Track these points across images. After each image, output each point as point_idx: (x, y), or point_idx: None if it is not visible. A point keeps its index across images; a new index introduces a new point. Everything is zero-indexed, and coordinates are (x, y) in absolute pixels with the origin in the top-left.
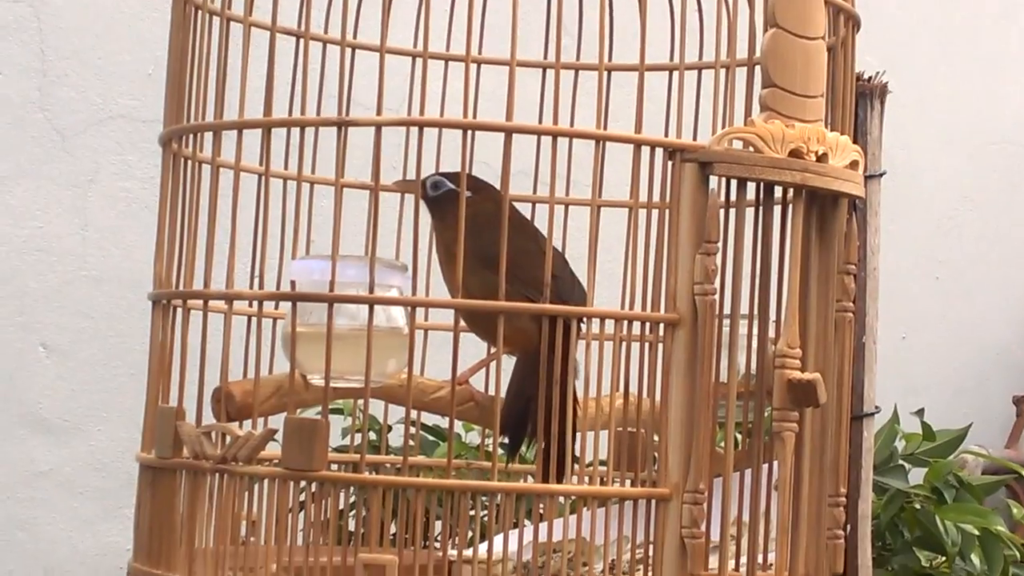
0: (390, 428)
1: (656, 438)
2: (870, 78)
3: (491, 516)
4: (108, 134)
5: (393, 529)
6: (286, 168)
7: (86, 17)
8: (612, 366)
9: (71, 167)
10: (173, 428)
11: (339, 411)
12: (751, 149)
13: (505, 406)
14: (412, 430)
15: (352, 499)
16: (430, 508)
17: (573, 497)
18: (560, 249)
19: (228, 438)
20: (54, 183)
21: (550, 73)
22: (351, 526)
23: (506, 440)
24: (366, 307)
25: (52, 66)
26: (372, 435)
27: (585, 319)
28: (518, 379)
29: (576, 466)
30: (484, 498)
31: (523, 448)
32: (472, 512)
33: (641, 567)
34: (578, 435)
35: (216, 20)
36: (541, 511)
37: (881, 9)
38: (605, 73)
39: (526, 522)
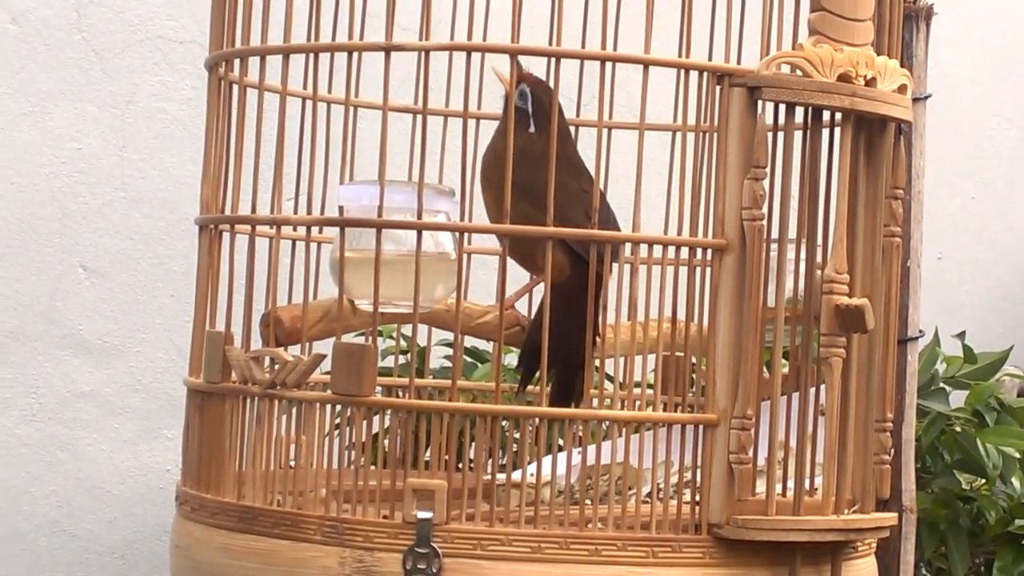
0: (422, 350)
1: (697, 363)
2: (915, 0)
3: (540, 439)
4: (146, 55)
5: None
6: (330, 92)
7: None
8: (659, 291)
9: (109, 88)
10: (222, 353)
11: (378, 333)
12: (799, 73)
13: (527, 336)
14: (449, 351)
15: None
16: (464, 432)
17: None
18: (603, 174)
19: (277, 363)
20: (92, 104)
21: (592, 2)
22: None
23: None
24: (414, 232)
25: None
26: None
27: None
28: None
29: (621, 390)
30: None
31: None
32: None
33: (688, 491)
34: (608, 361)
35: None
36: (580, 435)
37: None
38: None
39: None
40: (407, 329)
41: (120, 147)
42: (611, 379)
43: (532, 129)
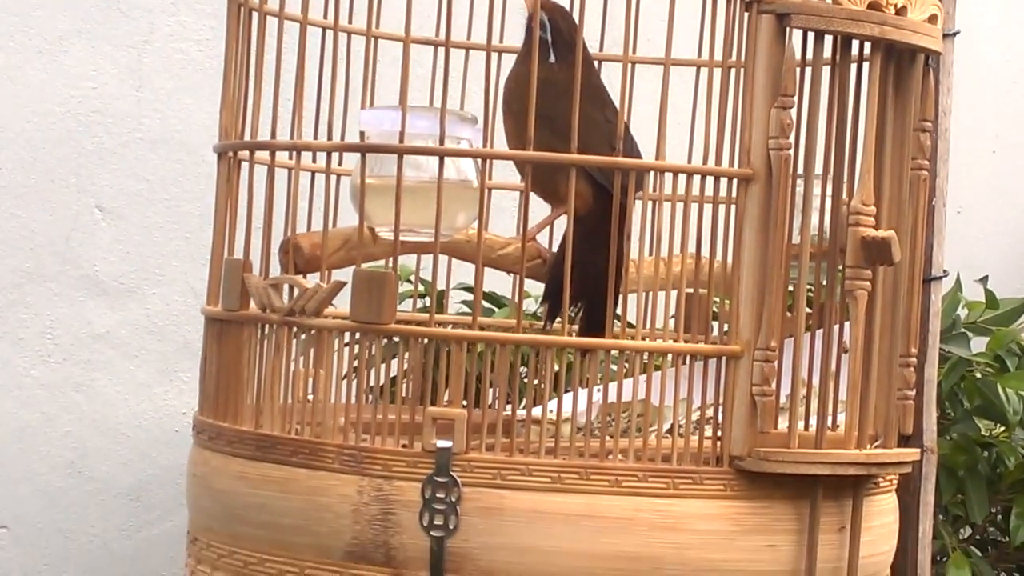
0: (440, 293)
1: (720, 301)
2: None
3: (562, 371)
4: None
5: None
6: (351, 22)
7: None
8: (683, 223)
9: (126, 27)
10: (240, 280)
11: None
12: (829, 1)
13: (551, 268)
14: (467, 295)
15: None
16: (483, 370)
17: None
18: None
19: (296, 290)
20: (109, 43)
21: None
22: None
23: (546, 305)
24: (435, 159)
25: None
26: (427, 300)
27: (655, 175)
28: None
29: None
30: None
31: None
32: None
33: (709, 427)
34: (631, 296)
35: None
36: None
37: None
38: None
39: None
40: (424, 272)
41: (137, 87)
42: (632, 325)
43: (552, 59)
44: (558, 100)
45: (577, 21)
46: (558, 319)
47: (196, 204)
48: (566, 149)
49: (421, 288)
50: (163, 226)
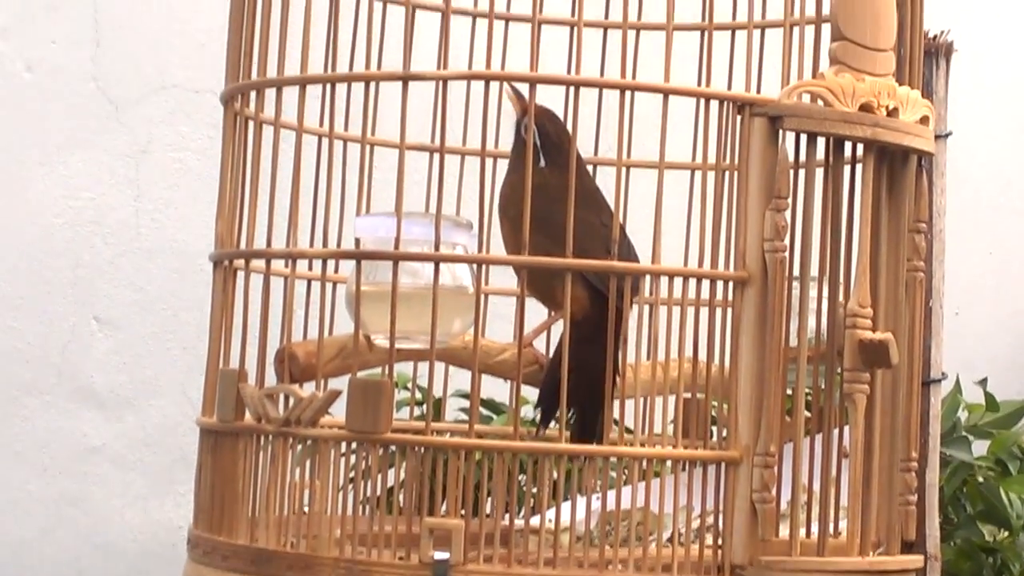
0: (437, 401)
1: (719, 405)
2: (935, 36)
3: (560, 479)
4: (161, 104)
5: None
6: (347, 127)
7: None
8: (680, 327)
9: (124, 138)
10: (235, 390)
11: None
12: (821, 103)
13: (547, 373)
14: (464, 402)
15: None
16: (481, 479)
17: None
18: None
19: (292, 400)
20: (107, 154)
21: (611, 32)
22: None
23: (539, 409)
24: (431, 265)
25: (105, 36)
26: (423, 409)
27: (651, 279)
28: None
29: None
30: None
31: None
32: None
33: (710, 534)
34: (625, 401)
35: None
36: (600, 474)
37: None
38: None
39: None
40: (422, 380)
41: (134, 197)
42: (630, 431)
43: (542, 163)
44: (552, 204)
45: (568, 125)
46: (552, 424)
47: (194, 313)
48: (562, 253)
49: (418, 396)
50: (160, 336)
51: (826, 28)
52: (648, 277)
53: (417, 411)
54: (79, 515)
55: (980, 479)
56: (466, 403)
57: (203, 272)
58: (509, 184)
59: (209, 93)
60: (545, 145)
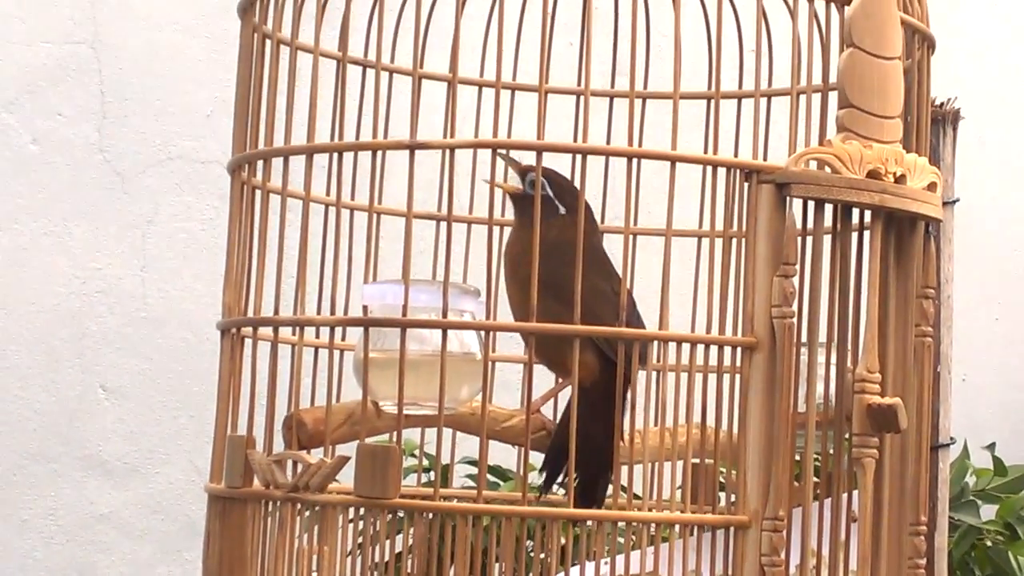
0: (446, 470)
1: (727, 471)
2: (942, 104)
3: (568, 544)
4: (167, 175)
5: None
6: (353, 196)
7: (145, 59)
8: (688, 393)
9: (130, 208)
10: (243, 457)
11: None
12: (828, 170)
13: (553, 438)
14: (471, 468)
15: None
16: (489, 547)
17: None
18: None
19: (300, 466)
20: (113, 224)
21: (617, 101)
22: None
23: (543, 474)
24: (439, 332)
25: (111, 108)
26: (431, 475)
27: (659, 344)
28: (570, 413)
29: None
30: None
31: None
32: (526, 548)
33: None
34: (633, 467)
35: (283, 47)
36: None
37: (945, 35)
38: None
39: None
40: (428, 447)
41: (141, 267)
42: (638, 497)
43: (563, 211)
44: (565, 267)
45: (578, 187)
46: (558, 490)
47: (200, 382)
48: (572, 317)
49: (425, 463)
50: (167, 404)
51: (832, 95)
52: (656, 343)
53: (424, 478)
54: None
55: (988, 543)
56: (472, 470)
57: (209, 341)
58: (519, 242)
59: (214, 163)
60: (559, 194)
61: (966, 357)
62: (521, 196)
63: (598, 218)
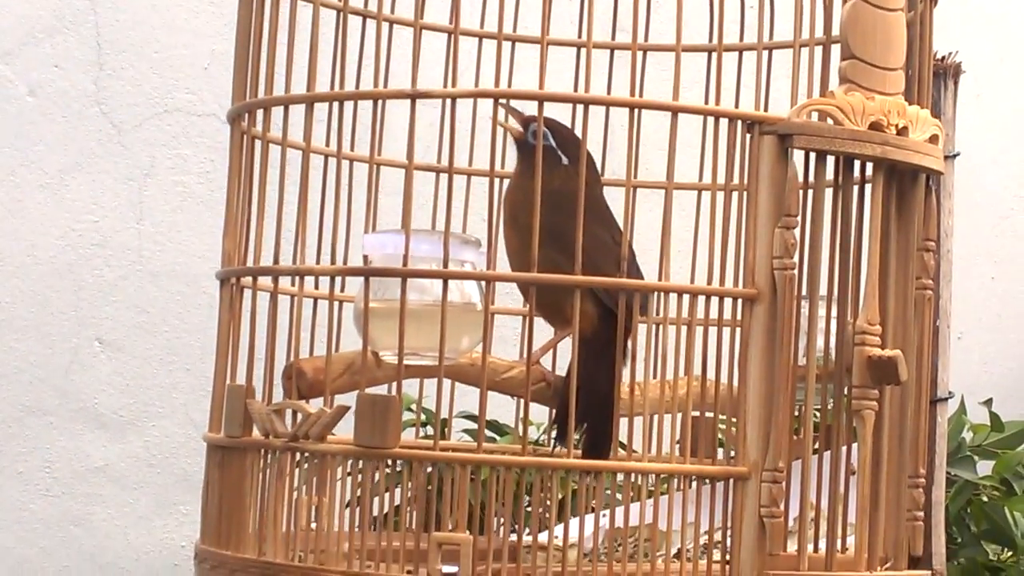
0: (444, 423)
1: (726, 423)
2: (943, 58)
3: (567, 496)
4: (164, 128)
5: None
6: (353, 147)
7: (143, 10)
8: (688, 345)
9: (127, 161)
10: (243, 406)
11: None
12: (830, 122)
13: (562, 392)
14: (468, 423)
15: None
16: (488, 496)
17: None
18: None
19: (299, 415)
20: (110, 177)
21: (618, 54)
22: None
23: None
24: (439, 282)
25: (108, 60)
26: (429, 429)
27: (660, 296)
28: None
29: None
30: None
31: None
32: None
33: (717, 551)
34: (633, 419)
35: None
36: (608, 490)
37: None
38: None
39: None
40: (427, 402)
41: (137, 220)
42: (635, 451)
43: (565, 161)
44: (568, 216)
45: (580, 136)
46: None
47: (196, 335)
48: (573, 267)
49: (423, 417)
50: (163, 358)
51: (834, 49)
52: (658, 295)
53: (422, 433)
54: (82, 535)
55: (984, 499)
56: (469, 424)
57: (205, 294)
58: (520, 188)
59: (211, 116)
60: (561, 144)
61: (961, 313)
62: (524, 143)
63: (598, 170)
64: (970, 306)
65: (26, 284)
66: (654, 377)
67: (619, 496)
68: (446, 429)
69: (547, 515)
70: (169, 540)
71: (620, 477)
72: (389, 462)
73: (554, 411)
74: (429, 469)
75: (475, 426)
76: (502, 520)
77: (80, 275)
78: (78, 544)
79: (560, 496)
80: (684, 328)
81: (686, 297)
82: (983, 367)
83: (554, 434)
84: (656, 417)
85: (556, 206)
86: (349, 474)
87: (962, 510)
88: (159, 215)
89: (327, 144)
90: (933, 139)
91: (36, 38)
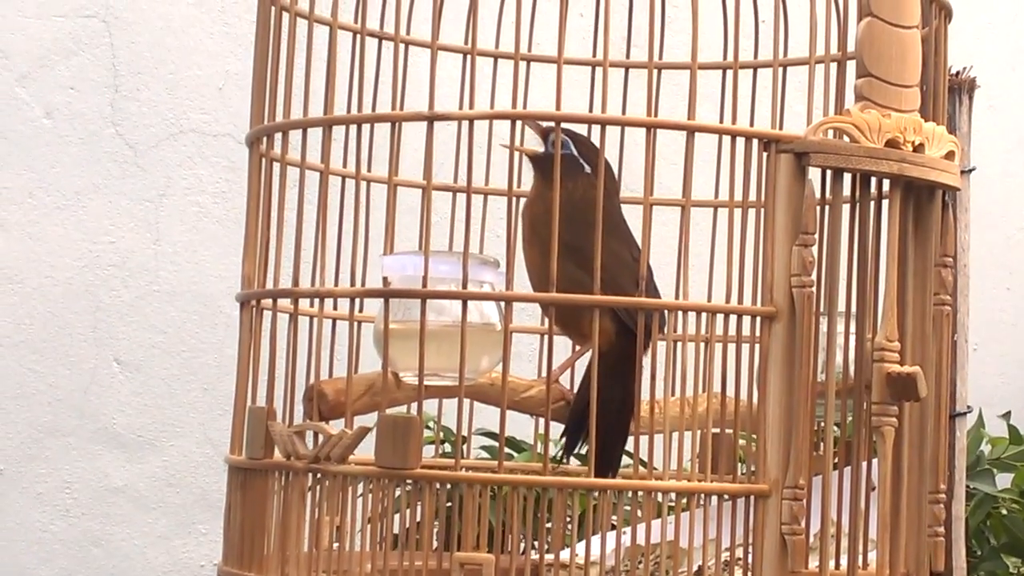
0: (464, 440)
1: (747, 440)
2: (958, 73)
3: (589, 514)
4: (180, 148)
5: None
6: (370, 168)
7: (158, 32)
8: (707, 362)
9: (143, 182)
10: (264, 428)
11: None
12: (847, 139)
13: (573, 406)
14: (486, 440)
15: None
16: (509, 514)
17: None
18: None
19: (320, 437)
20: (126, 198)
21: (632, 73)
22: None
23: (564, 440)
24: (459, 303)
25: (124, 81)
26: (447, 447)
27: (681, 314)
28: (589, 380)
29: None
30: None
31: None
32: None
33: (739, 568)
34: (653, 436)
35: (301, 20)
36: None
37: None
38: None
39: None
40: (445, 418)
41: (154, 240)
42: (653, 467)
43: (588, 170)
44: (588, 229)
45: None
46: (575, 456)
47: (214, 355)
48: (592, 283)
49: (440, 435)
50: (181, 377)
51: (848, 66)
52: (674, 312)
53: (438, 450)
54: (101, 555)
55: (1004, 512)
56: (486, 441)
57: (222, 314)
58: (541, 202)
59: (226, 136)
60: (583, 153)
61: (977, 326)
62: (542, 157)
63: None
64: (985, 318)
65: (44, 305)
66: (673, 395)
67: (640, 513)
68: (467, 447)
69: (567, 533)
70: (188, 560)
71: (640, 495)
72: (410, 482)
73: (566, 423)
74: (449, 488)
75: (492, 442)
76: (522, 539)
77: (98, 296)
78: (97, 564)
79: (580, 511)
80: (703, 345)
81: (704, 314)
82: (999, 379)
83: (562, 445)
84: (676, 434)
85: (577, 219)
86: (371, 491)
87: (981, 523)
88: (175, 235)
89: (344, 165)
90: (949, 155)
91: (52, 60)
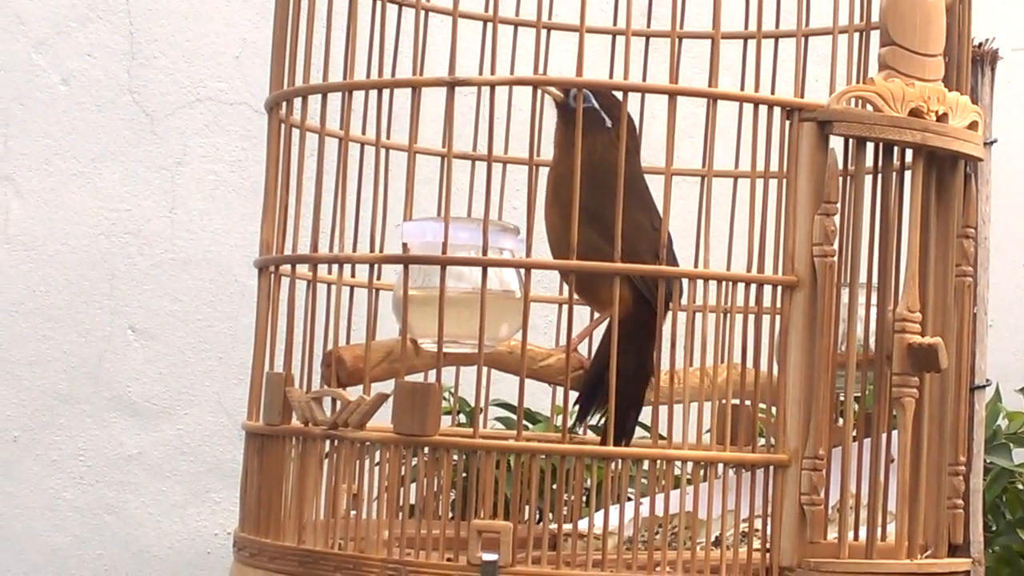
0: (481, 410)
1: (766, 411)
2: (981, 44)
3: (607, 483)
4: (196, 116)
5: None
6: (389, 135)
7: (174, 0)
8: (728, 331)
9: (159, 150)
10: (282, 394)
11: None
12: (870, 108)
13: (589, 372)
14: (501, 412)
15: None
16: (530, 482)
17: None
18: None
19: (338, 403)
20: (142, 166)
21: (653, 41)
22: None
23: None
24: (478, 270)
25: (141, 49)
26: (463, 417)
27: (701, 283)
28: (606, 347)
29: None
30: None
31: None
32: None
33: (756, 538)
34: (674, 406)
35: None
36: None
37: None
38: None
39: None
40: (461, 390)
41: (170, 209)
42: (663, 437)
43: (609, 124)
44: (608, 196)
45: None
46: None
47: (229, 323)
48: (612, 250)
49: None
50: (196, 346)
51: (874, 34)
52: (694, 281)
53: (456, 420)
54: (115, 523)
55: (1020, 486)
56: (501, 412)
57: (238, 282)
58: (564, 162)
59: (243, 105)
60: (604, 105)
61: (993, 300)
62: (566, 106)
63: None
64: (1002, 293)
65: (59, 273)
66: (692, 365)
67: (658, 483)
68: (483, 416)
69: (585, 502)
70: (202, 528)
71: (659, 464)
72: (427, 450)
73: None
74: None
75: (508, 413)
76: (540, 508)
77: (113, 264)
78: (111, 532)
79: (598, 481)
80: (723, 315)
81: (724, 284)
82: (1015, 355)
83: (575, 412)
84: (695, 405)
85: (598, 183)
86: (389, 460)
87: (998, 498)
88: (191, 203)
89: (363, 132)
90: (972, 126)
91: (69, 27)
